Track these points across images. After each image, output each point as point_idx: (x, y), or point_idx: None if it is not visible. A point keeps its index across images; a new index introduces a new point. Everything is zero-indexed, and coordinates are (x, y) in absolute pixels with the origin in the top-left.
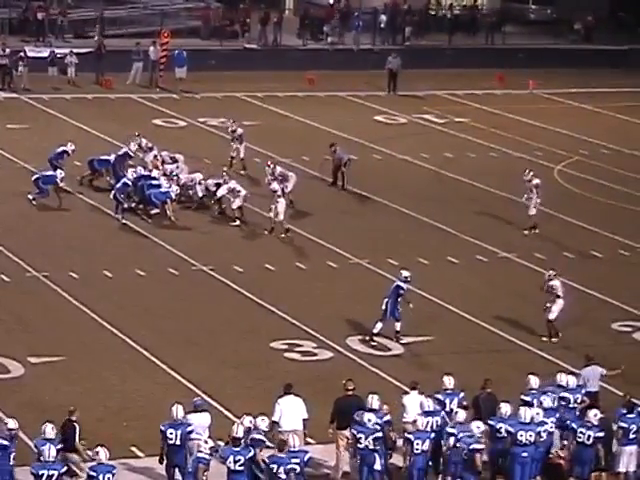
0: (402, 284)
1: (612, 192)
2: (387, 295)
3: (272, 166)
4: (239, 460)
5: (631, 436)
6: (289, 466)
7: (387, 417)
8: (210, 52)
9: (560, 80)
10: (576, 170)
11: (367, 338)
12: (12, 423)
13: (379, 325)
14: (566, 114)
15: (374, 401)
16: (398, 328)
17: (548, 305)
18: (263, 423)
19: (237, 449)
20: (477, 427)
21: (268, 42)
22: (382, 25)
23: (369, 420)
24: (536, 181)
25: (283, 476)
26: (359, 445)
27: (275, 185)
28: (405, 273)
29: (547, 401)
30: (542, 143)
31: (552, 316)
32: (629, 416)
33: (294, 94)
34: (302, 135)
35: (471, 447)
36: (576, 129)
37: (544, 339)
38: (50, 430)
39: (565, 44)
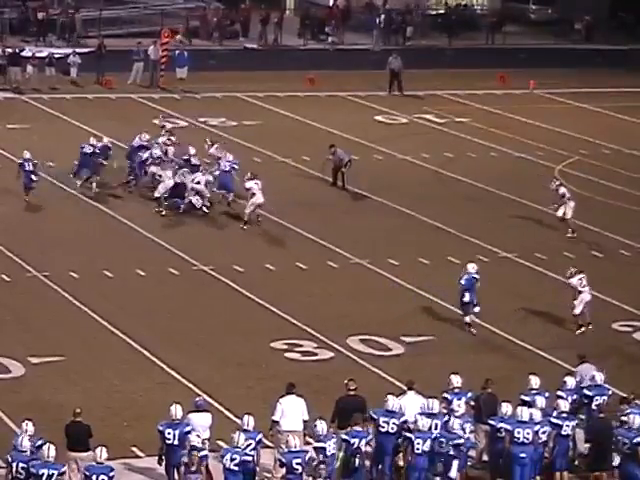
0: (476, 275)
1: (612, 192)
2: (465, 288)
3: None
4: (235, 459)
5: None
6: (369, 437)
7: (404, 418)
8: (210, 52)
9: (561, 80)
10: (576, 170)
11: (468, 328)
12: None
13: (477, 309)
14: (566, 114)
15: (395, 403)
16: (477, 310)
17: (573, 301)
18: (321, 425)
19: (236, 448)
20: None
21: (269, 42)
22: (382, 25)
23: (457, 426)
24: (562, 190)
25: (368, 448)
26: (416, 451)
27: (249, 183)
28: (474, 267)
29: (541, 401)
30: (542, 143)
31: (576, 311)
32: (628, 411)
33: (294, 94)
34: (302, 135)
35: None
36: (576, 129)
37: (577, 332)
38: (32, 428)
39: (566, 44)
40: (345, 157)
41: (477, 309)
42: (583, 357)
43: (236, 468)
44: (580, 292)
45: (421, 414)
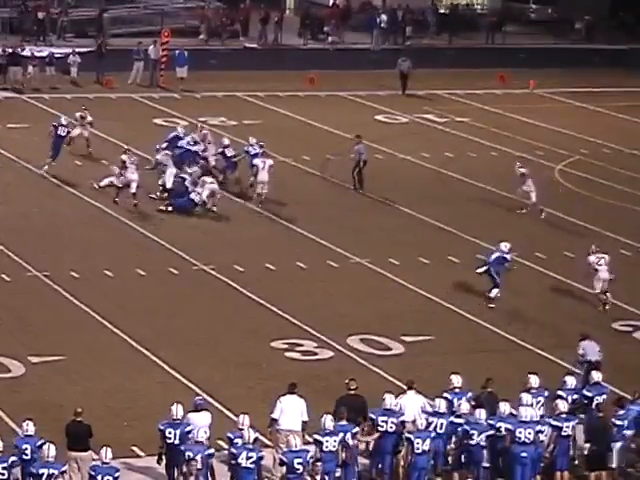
0: (507, 255)
1: (613, 191)
2: (488, 263)
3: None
4: (251, 457)
5: (624, 432)
6: (354, 430)
7: (403, 417)
8: (211, 52)
9: (561, 80)
10: (577, 169)
11: (487, 304)
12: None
13: (495, 290)
14: (567, 113)
15: (392, 401)
16: (493, 295)
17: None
18: (326, 420)
19: (250, 447)
20: None
21: (269, 42)
22: (382, 25)
23: (484, 416)
24: (521, 171)
25: (351, 442)
26: (471, 442)
27: (256, 160)
28: (507, 245)
29: (527, 398)
30: (543, 142)
31: (596, 290)
32: (620, 413)
33: (295, 94)
34: (302, 135)
35: None
36: (577, 128)
37: (600, 309)
38: (32, 427)
39: (566, 44)
40: (364, 154)
41: (494, 291)
42: (586, 335)
43: (252, 466)
44: (596, 270)
45: (427, 413)
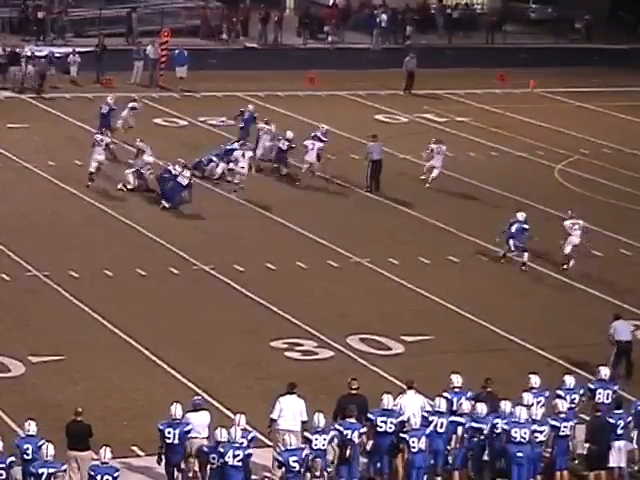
0: (526, 225)
1: (613, 191)
2: (511, 236)
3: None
4: (238, 455)
5: (619, 432)
6: (362, 430)
7: (402, 417)
8: (210, 51)
9: (561, 79)
10: (577, 169)
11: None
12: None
13: (525, 255)
14: (567, 113)
15: (390, 401)
16: (526, 259)
17: (561, 242)
18: (318, 419)
19: (237, 444)
20: None
21: (269, 41)
22: (382, 24)
23: (482, 412)
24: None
25: (357, 440)
26: (480, 437)
27: (307, 141)
28: (523, 215)
29: (527, 398)
30: (543, 142)
31: (566, 251)
32: (616, 412)
33: (295, 93)
34: (302, 134)
35: None
36: (577, 128)
37: (563, 267)
38: (34, 427)
39: (566, 43)
40: (372, 154)
41: (525, 256)
42: (618, 316)
43: (239, 464)
44: (569, 234)
45: (427, 412)
